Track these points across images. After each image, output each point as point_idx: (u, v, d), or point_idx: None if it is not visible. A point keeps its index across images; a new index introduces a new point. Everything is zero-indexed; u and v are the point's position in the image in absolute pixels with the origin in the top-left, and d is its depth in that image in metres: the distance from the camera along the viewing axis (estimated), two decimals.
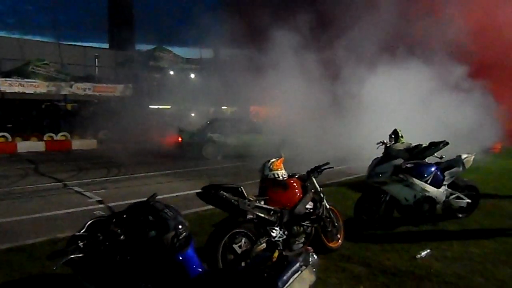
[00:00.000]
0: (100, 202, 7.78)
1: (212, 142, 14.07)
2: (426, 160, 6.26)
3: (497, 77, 14.68)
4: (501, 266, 4.46)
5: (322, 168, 4.85)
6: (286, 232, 4.26)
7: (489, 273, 4.27)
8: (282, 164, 4.63)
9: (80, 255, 2.07)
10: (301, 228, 4.46)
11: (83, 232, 2.20)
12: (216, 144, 13.92)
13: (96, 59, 28.44)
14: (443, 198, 5.99)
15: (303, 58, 12.54)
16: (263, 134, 13.84)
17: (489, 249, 4.97)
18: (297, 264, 2.09)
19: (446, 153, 6.35)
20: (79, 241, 2.12)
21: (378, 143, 6.42)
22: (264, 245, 3.92)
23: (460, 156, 6.31)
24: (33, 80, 21.97)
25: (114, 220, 2.22)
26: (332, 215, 4.96)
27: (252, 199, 4.04)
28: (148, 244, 2.11)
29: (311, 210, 4.61)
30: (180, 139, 14.01)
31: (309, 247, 2.49)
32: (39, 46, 29.62)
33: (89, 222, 2.27)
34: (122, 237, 2.15)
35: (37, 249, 4.96)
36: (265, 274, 2.03)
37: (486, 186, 8.40)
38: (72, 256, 2.04)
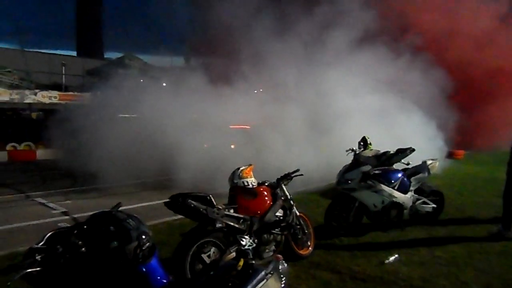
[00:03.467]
0: (64, 213, 7.52)
1: None
2: (394, 166, 6.40)
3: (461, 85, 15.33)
4: (465, 269, 4.59)
5: (292, 175, 4.88)
6: (256, 240, 4.22)
7: (453, 276, 4.39)
8: (251, 172, 4.61)
9: (38, 268, 1.97)
10: (271, 236, 4.44)
11: (41, 245, 2.10)
12: None
13: (63, 67, 27.71)
14: (410, 203, 6.13)
15: (271, 66, 12.61)
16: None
17: (454, 253, 5.12)
18: (263, 273, 2.06)
19: (412, 160, 6.51)
20: (37, 254, 2.02)
21: (347, 150, 6.51)
22: (233, 254, 3.87)
23: (425, 162, 6.49)
24: None
25: (75, 231, 2.13)
26: (302, 222, 4.98)
27: (221, 208, 3.99)
28: (110, 255, 2.03)
29: (281, 218, 4.61)
30: None
31: (279, 255, 2.47)
32: (3, 53, 28.59)
33: (48, 234, 2.17)
34: (83, 249, 2.06)
35: None
36: (230, 284, 1.99)
37: (450, 191, 8.67)
38: (29, 270, 1.94)
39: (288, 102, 12.05)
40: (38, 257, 2.00)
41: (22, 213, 7.60)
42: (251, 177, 4.56)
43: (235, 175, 4.53)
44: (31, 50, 31.64)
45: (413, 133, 11.24)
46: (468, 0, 17.09)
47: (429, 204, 6.37)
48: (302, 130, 11.53)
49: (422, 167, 6.41)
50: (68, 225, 6.11)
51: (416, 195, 6.28)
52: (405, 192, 6.03)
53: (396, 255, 4.93)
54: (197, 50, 12.84)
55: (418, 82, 13.26)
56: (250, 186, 4.50)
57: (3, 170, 14.42)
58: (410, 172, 6.30)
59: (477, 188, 9.84)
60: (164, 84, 15.13)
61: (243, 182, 4.48)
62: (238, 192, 4.45)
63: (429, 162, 6.50)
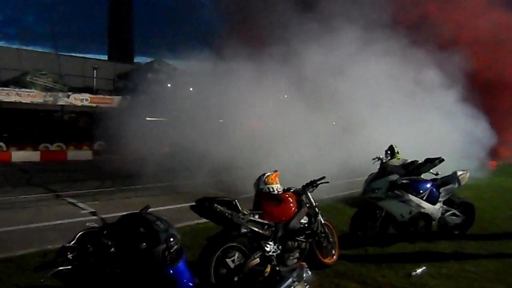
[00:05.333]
0: (93, 213, 7.70)
1: None
2: (422, 176, 6.25)
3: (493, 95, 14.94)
4: (497, 284, 4.42)
5: (318, 182, 4.83)
6: (280, 247, 4.20)
7: None
8: (277, 178, 4.60)
9: (69, 267, 2.03)
10: (296, 243, 4.41)
11: (73, 244, 2.16)
12: None
13: (95, 70, 28.52)
14: (439, 214, 5.97)
15: (301, 70, 12.59)
16: None
17: (485, 267, 4.93)
18: (290, 280, 2.05)
19: (441, 170, 6.34)
20: (69, 253, 2.08)
21: (374, 159, 6.41)
22: (257, 259, 3.87)
23: (455, 172, 6.31)
24: (30, 90, 22.02)
25: (105, 231, 2.18)
26: (327, 230, 4.92)
27: (246, 213, 3.99)
28: (139, 256, 2.07)
29: (306, 225, 4.57)
30: None
31: (304, 263, 2.45)
32: (38, 56, 29.68)
33: (79, 234, 2.23)
34: (112, 249, 2.11)
35: (26, 261, 4.87)
36: None
37: (481, 203, 8.38)
38: (61, 268, 1.99)
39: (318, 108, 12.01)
40: (69, 256, 2.06)
41: (53, 212, 7.83)
42: (276, 183, 4.54)
43: (261, 181, 4.53)
44: (64, 53, 32.76)
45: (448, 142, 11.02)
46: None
47: (458, 216, 6.19)
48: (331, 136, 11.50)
49: (452, 178, 6.24)
50: (97, 225, 6.27)
51: (445, 206, 6.12)
52: (433, 203, 5.88)
53: (424, 267, 4.80)
54: (225, 55, 12.98)
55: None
56: (276, 192, 4.48)
57: (35, 169, 14.92)
58: (439, 183, 6.14)
59: (510, 201, 9.49)
60: (191, 89, 15.32)
61: (268, 188, 4.47)
62: (263, 198, 4.44)
63: (459, 173, 6.31)
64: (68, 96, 23.17)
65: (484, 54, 16.03)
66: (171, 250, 2.09)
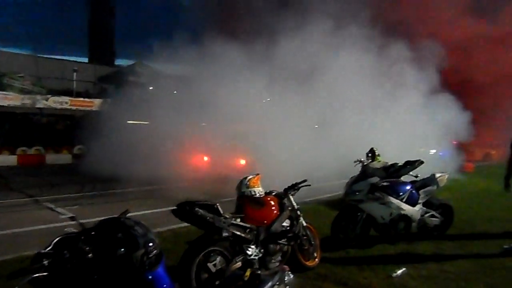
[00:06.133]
0: (72, 218, 7.55)
1: None
2: (402, 178, 6.35)
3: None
4: (476, 284, 4.50)
5: (300, 185, 4.85)
6: (262, 250, 4.20)
7: None
8: (259, 181, 4.60)
9: (45, 273, 1.98)
10: (278, 246, 4.41)
11: (49, 250, 2.11)
12: None
13: (75, 73, 28.05)
14: (418, 216, 6.06)
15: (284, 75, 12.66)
16: None
17: (463, 267, 5.03)
18: (270, 283, 2.05)
19: (420, 172, 6.46)
20: (44, 259, 2.03)
21: (355, 161, 6.48)
22: (239, 263, 3.85)
23: (434, 174, 6.43)
24: (7, 93, 21.50)
25: (82, 237, 2.14)
26: (309, 233, 4.94)
27: (228, 217, 3.97)
28: (117, 262, 2.04)
29: (288, 228, 4.58)
30: None
31: (285, 266, 2.45)
32: (16, 58, 29.02)
33: (56, 239, 2.18)
34: (90, 255, 2.07)
35: (2, 268, 4.73)
36: None
37: (460, 204, 8.55)
38: (36, 275, 1.95)
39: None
40: (45, 262, 2.01)
41: (30, 217, 7.65)
42: (258, 187, 4.54)
43: (243, 184, 4.52)
44: (43, 55, 32.09)
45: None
46: None
47: (437, 217, 6.30)
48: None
49: (431, 180, 6.35)
50: (76, 230, 6.14)
51: (425, 208, 6.22)
52: (413, 205, 5.97)
53: (404, 269, 4.86)
54: (206, 57, 12.99)
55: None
56: (258, 195, 4.48)
57: (12, 174, 14.56)
58: (418, 185, 6.24)
59: (487, 201, 9.72)
60: (175, 92, 15.23)
61: (250, 192, 4.46)
62: (245, 202, 4.43)
63: (438, 175, 6.43)
64: (47, 99, 22.73)
65: (453, 58, 16.54)
66: (150, 255, 2.07)
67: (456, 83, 15.85)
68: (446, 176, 6.59)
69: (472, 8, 18.12)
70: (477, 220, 7.65)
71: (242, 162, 12.04)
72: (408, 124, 12.68)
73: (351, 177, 6.15)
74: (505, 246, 5.73)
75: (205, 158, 13.11)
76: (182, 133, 12.13)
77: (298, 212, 4.78)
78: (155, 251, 2.10)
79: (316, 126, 12.90)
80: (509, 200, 6.48)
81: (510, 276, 4.78)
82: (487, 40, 18.39)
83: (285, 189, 4.80)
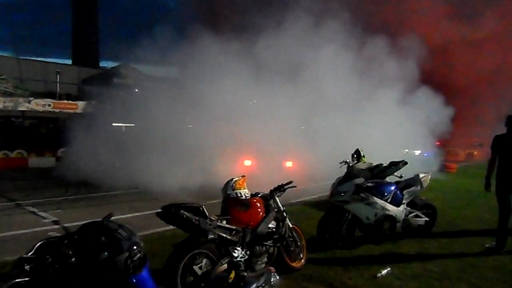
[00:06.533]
0: (55, 222, 7.43)
1: None
2: (387, 179, 6.42)
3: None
4: (458, 283, 4.58)
5: (285, 187, 4.86)
6: (248, 252, 4.19)
7: None
8: (245, 183, 4.60)
9: (27, 278, 1.95)
10: (264, 248, 4.41)
11: (31, 254, 2.08)
12: None
13: (58, 75, 27.60)
14: (403, 216, 6.13)
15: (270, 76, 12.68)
16: None
17: (447, 266, 5.11)
18: (254, 285, 2.05)
19: (404, 172, 6.54)
20: (26, 264, 2.00)
21: (341, 162, 6.54)
22: (225, 265, 3.84)
23: (418, 175, 6.52)
24: None
25: (65, 241, 2.11)
26: (295, 234, 4.96)
27: (214, 219, 3.96)
28: (100, 266, 2.01)
29: (274, 230, 4.58)
30: None
31: (271, 267, 2.46)
32: None
33: (38, 244, 2.15)
34: (72, 259, 2.04)
35: None
36: None
37: (443, 204, 8.70)
38: (18, 280, 1.92)
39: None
40: (27, 267, 1.98)
41: (12, 222, 7.50)
42: (244, 189, 4.54)
43: (228, 186, 4.51)
44: (25, 57, 31.48)
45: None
46: None
47: (421, 217, 6.39)
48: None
49: (415, 180, 6.44)
50: (59, 234, 6.04)
51: (409, 208, 6.30)
52: (397, 205, 6.04)
53: (389, 269, 4.91)
54: (191, 58, 12.98)
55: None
56: (243, 197, 4.48)
57: None
58: (402, 185, 6.32)
59: (470, 201, 9.90)
60: (159, 94, 15.15)
61: (236, 194, 4.46)
62: (231, 204, 4.43)
63: (421, 175, 6.52)
64: (30, 102, 22.29)
65: (432, 59, 16.90)
66: (134, 259, 2.05)
67: (438, 84, 16.11)
68: (430, 176, 6.70)
69: (454, 12, 18.51)
70: (460, 220, 7.78)
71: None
72: (392, 125, 12.85)
73: (337, 178, 6.20)
74: (487, 245, 5.86)
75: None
76: (169, 134, 12.06)
77: (284, 214, 4.79)
78: (139, 254, 2.08)
79: (303, 127, 12.97)
80: (490, 200, 6.60)
81: (493, 274, 4.88)
82: (467, 43, 18.80)
83: (271, 191, 4.80)
